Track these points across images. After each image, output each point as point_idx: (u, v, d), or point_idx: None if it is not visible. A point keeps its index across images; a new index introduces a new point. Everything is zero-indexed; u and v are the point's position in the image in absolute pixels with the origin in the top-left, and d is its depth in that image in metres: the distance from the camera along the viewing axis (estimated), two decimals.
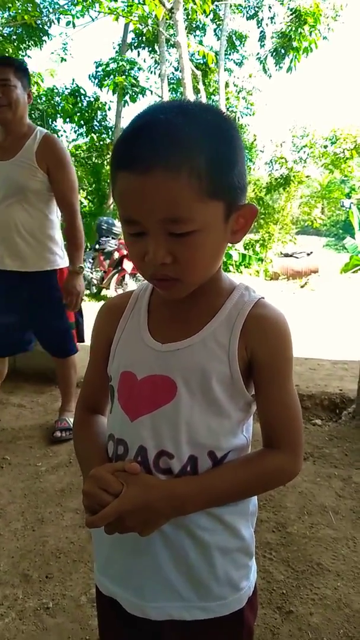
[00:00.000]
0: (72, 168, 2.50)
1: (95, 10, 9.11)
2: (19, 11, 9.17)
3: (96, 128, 15.07)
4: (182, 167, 0.62)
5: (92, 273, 9.38)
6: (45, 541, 1.89)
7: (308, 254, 11.92)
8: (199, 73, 12.64)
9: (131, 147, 0.64)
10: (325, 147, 14.25)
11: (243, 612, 0.81)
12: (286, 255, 12.01)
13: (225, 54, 14.16)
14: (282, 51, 12.73)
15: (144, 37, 13.92)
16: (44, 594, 1.63)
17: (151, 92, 15.13)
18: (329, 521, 1.98)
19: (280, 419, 0.77)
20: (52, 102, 13.86)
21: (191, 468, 0.74)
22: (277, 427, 0.78)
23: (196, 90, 12.27)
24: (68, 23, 9.31)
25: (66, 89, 14.43)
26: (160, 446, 0.74)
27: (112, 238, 8.92)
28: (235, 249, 15.01)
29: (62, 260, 2.58)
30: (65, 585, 1.67)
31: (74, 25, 9.26)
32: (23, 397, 3.41)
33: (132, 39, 14.63)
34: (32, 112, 13.32)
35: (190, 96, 9.38)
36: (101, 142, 15.29)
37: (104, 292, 8.88)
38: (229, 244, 0.77)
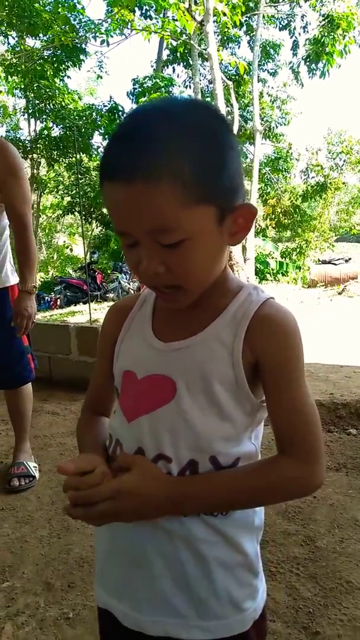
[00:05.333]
0: (26, 177, 2.23)
1: (128, 28, 9.36)
2: (57, 34, 9.54)
3: None
4: (163, 176, 0.59)
5: (129, 284, 9.57)
6: (69, 549, 1.88)
7: (346, 261, 11.62)
8: (231, 84, 12.68)
9: (113, 157, 0.63)
10: None
11: (247, 635, 0.74)
12: (324, 262, 11.76)
13: (260, 64, 14.17)
14: (316, 57, 12.59)
15: (178, 53, 14.17)
16: (65, 603, 1.62)
17: None
18: None
19: (292, 425, 0.71)
20: (91, 119, 14.29)
21: (191, 473, 0.71)
22: (288, 434, 0.72)
23: (228, 102, 12.32)
24: (103, 42, 9.61)
25: (104, 106, 14.83)
26: (158, 449, 0.72)
27: None
28: (273, 257, 14.84)
29: (13, 277, 2.33)
30: (86, 595, 1.65)
31: (107, 44, 9.55)
32: (57, 405, 3.47)
33: (167, 55, 14.94)
34: (72, 127, 13.75)
35: (222, 107, 9.42)
36: None
37: None
38: (231, 246, 0.74)
